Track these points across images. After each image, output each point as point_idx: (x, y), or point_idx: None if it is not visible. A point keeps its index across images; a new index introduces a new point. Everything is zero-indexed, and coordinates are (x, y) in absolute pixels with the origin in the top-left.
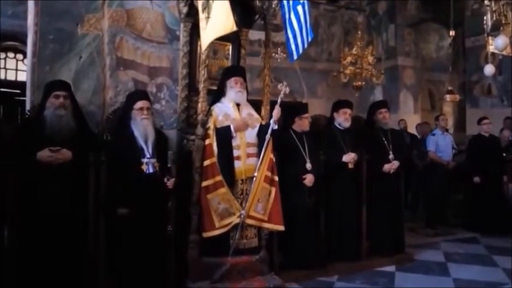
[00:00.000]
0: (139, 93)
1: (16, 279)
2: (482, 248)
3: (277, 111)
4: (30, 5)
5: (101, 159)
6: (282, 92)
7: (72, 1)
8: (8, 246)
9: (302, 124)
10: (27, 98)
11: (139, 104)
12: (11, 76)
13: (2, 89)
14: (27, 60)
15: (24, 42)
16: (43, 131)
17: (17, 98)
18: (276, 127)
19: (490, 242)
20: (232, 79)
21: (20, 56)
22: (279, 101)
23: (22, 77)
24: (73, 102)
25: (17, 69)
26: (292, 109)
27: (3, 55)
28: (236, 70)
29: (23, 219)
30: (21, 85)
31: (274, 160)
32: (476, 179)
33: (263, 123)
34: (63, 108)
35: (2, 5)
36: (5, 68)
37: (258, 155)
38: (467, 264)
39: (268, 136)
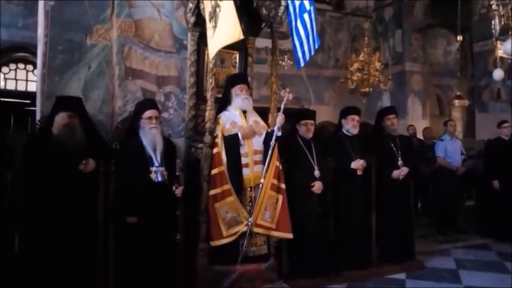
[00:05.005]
0: (148, 102)
1: (26, 285)
2: (494, 254)
3: (280, 118)
4: (40, 17)
5: (110, 168)
6: (285, 99)
7: (81, 12)
8: (18, 254)
9: (302, 131)
10: (37, 108)
11: (147, 113)
12: (21, 87)
13: (13, 100)
14: (37, 71)
15: (35, 54)
16: (52, 144)
17: (28, 108)
18: (279, 134)
19: (502, 248)
20: (237, 87)
21: (30, 67)
22: (282, 107)
23: (32, 87)
24: (82, 115)
25: (27, 80)
26: (294, 116)
27: (13, 66)
28: (240, 78)
29: (32, 228)
30: (32, 95)
31: (280, 168)
32: (496, 184)
33: (269, 130)
34: (69, 127)
35: (13, 18)
36: (15, 78)
37: (264, 162)
38: (479, 271)
39: (272, 143)
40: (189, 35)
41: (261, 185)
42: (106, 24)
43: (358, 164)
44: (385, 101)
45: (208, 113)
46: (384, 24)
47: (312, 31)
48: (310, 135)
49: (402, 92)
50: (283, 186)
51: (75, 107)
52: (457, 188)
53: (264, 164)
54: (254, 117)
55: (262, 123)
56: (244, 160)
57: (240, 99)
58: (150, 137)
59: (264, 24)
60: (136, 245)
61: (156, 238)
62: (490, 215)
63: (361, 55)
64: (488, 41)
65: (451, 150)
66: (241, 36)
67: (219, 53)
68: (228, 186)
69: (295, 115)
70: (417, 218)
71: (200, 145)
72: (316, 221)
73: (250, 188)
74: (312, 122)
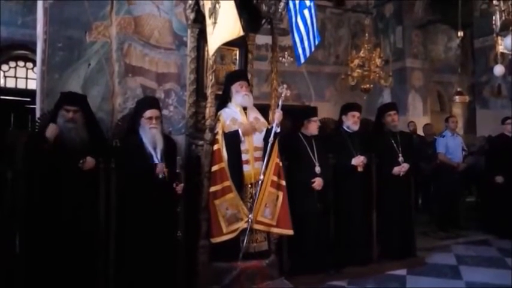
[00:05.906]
0: (149, 101)
1: (26, 285)
2: (495, 250)
3: (278, 115)
4: (39, 14)
5: (110, 165)
6: (282, 95)
7: (81, 9)
8: (19, 253)
9: (310, 128)
10: (37, 106)
11: (148, 113)
12: (21, 84)
13: (13, 97)
14: (37, 68)
15: (34, 51)
16: (55, 140)
17: (27, 106)
18: (278, 130)
19: (503, 244)
20: (237, 83)
21: (30, 65)
22: (279, 103)
23: (32, 85)
24: (86, 113)
25: (27, 78)
26: (301, 113)
27: (13, 64)
28: (239, 74)
29: (33, 227)
30: (32, 93)
31: (280, 164)
32: (499, 179)
33: (269, 127)
34: (72, 122)
35: (13, 15)
36: (15, 76)
37: (264, 159)
38: (480, 267)
39: (271, 139)
40: (189, 31)
41: (260, 182)
42: (105, 21)
43: (358, 161)
44: (386, 98)
45: (209, 110)
46: (384, 20)
47: (312, 27)
48: (316, 132)
49: (403, 89)
50: (283, 183)
51: (79, 103)
52: (458, 185)
53: (263, 161)
54: (254, 114)
55: (262, 119)
56: (244, 157)
57: (240, 96)
58: (150, 136)
59: (264, 21)
60: (137, 242)
61: (157, 235)
62: (490, 211)
63: (362, 51)
64: (489, 36)
65: (452, 146)
66: (241, 33)
67: (219, 50)
68: (228, 183)
69: (303, 112)
70: (418, 215)
71: (200, 142)
72: (317, 218)
73: (251, 184)
74: (317, 118)
